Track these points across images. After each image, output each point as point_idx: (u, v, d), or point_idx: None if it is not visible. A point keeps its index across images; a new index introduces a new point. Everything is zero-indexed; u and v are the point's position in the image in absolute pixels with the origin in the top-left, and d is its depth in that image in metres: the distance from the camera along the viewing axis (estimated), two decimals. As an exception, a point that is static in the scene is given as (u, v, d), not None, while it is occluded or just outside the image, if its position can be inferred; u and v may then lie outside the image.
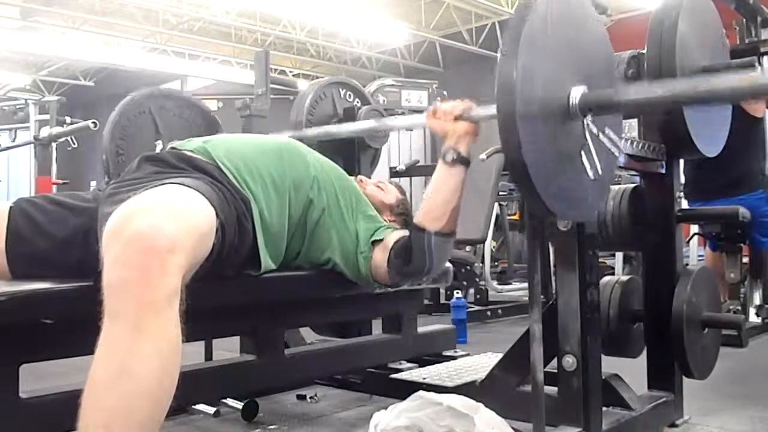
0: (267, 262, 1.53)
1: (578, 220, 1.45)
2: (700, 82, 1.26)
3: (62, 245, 1.41)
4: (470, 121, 1.57)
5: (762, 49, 3.37)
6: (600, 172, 1.26)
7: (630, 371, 1.81)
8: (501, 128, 1.13)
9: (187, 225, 1.15)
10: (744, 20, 3.69)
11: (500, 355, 1.80)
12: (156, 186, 1.27)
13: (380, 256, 1.64)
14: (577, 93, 1.23)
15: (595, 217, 1.55)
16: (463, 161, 1.58)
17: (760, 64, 3.36)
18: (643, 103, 1.29)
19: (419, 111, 4.38)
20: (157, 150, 2.15)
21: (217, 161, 1.53)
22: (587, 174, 1.25)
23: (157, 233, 1.06)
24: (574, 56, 1.27)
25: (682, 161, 2.02)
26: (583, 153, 1.24)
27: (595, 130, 1.25)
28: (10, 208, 1.44)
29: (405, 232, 1.66)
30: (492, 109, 1.47)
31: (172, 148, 1.62)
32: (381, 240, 1.65)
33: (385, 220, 1.81)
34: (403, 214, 1.91)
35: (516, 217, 5.67)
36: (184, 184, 1.30)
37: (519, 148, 1.11)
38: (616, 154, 1.33)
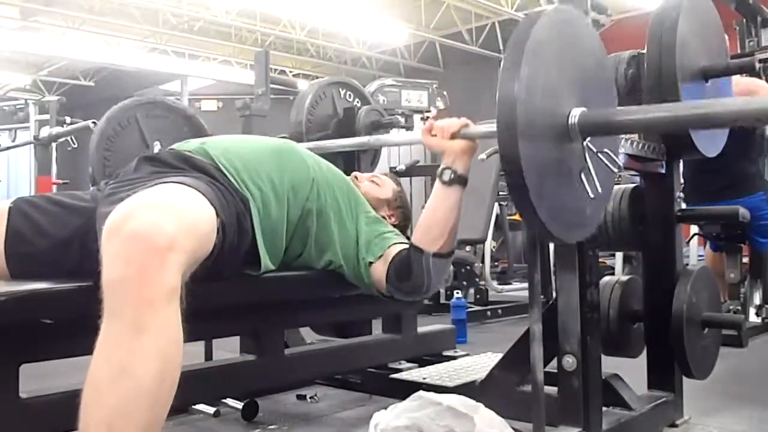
0: (266, 262, 1.52)
1: (577, 240, 1.43)
2: (702, 106, 1.25)
3: (61, 245, 1.41)
4: (467, 139, 1.55)
5: (760, 56, 3.38)
6: (599, 190, 1.26)
7: (630, 371, 1.81)
8: (502, 148, 1.13)
9: (186, 224, 1.15)
10: (744, 20, 3.70)
11: (500, 355, 1.80)
12: (155, 184, 1.27)
13: (380, 269, 1.63)
14: (576, 113, 1.22)
15: (593, 232, 1.54)
16: (461, 181, 1.56)
17: (760, 63, 3.37)
18: (642, 124, 1.29)
19: (419, 111, 4.39)
20: (155, 151, 2.15)
21: (216, 161, 1.52)
22: (587, 193, 1.24)
23: (156, 231, 1.06)
24: (573, 76, 1.27)
25: (682, 161, 2.02)
26: (582, 174, 1.24)
27: (594, 150, 1.25)
28: (9, 208, 1.43)
29: (404, 245, 1.65)
30: (490, 127, 1.46)
31: (171, 148, 1.62)
32: (382, 255, 1.64)
33: (383, 216, 1.82)
34: (400, 207, 1.91)
35: (516, 217, 5.67)
36: (183, 183, 1.30)
37: (520, 169, 1.10)
38: (615, 171, 1.33)
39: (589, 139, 1.24)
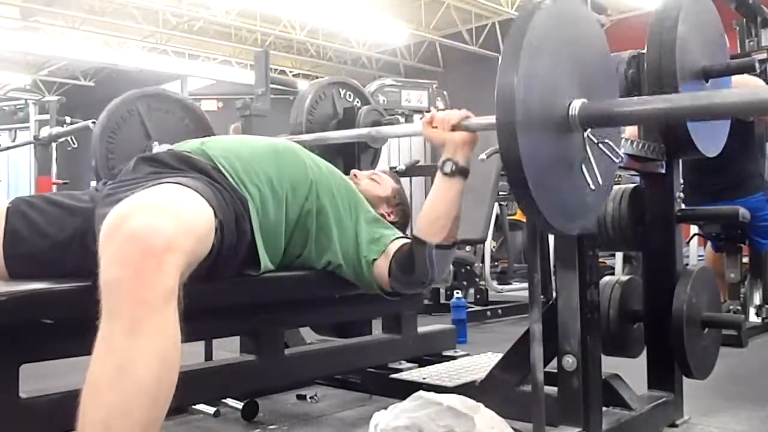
0: (266, 262, 1.52)
1: (578, 231, 1.44)
2: (701, 97, 1.25)
3: (60, 246, 1.41)
4: (468, 131, 1.55)
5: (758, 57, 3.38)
6: (600, 181, 1.25)
7: (630, 371, 1.81)
8: (500, 140, 1.12)
9: (185, 224, 1.14)
10: (744, 20, 3.70)
11: (500, 355, 1.80)
12: (153, 185, 1.27)
13: (382, 265, 1.63)
14: (576, 105, 1.21)
15: (594, 223, 1.53)
16: (462, 172, 1.57)
17: (759, 63, 3.37)
18: (642, 116, 1.28)
19: (419, 111, 4.38)
20: (154, 151, 2.15)
21: (215, 161, 1.52)
22: (588, 185, 1.24)
23: (154, 232, 1.06)
24: (573, 67, 1.26)
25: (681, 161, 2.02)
26: (583, 165, 1.23)
27: (595, 141, 1.24)
28: (8, 208, 1.43)
29: (406, 240, 1.66)
30: (490, 119, 1.45)
31: (169, 149, 1.62)
32: (384, 250, 1.64)
33: (383, 214, 1.81)
34: (400, 204, 1.91)
35: (516, 217, 5.67)
36: (181, 184, 1.30)
37: (519, 161, 1.09)
38: (616, 161, 1.31)
39: (589, 130, 1.23)
